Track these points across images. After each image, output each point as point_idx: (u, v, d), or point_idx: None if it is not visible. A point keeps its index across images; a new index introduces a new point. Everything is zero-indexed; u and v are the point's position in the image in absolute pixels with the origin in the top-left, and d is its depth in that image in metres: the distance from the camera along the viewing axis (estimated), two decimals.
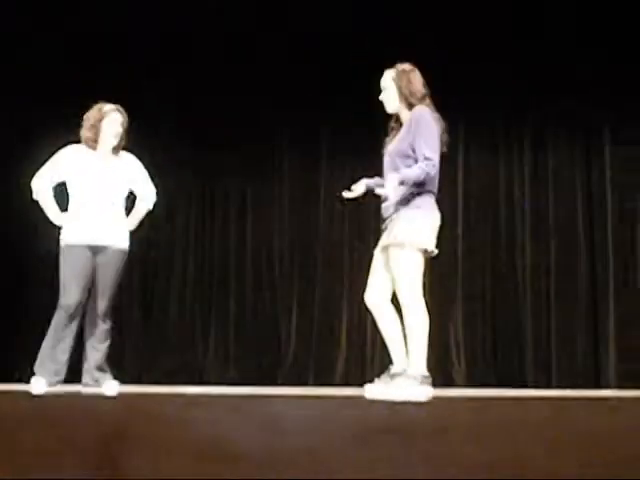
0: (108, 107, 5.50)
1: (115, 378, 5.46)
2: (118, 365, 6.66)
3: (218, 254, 8.64)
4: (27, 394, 3.98)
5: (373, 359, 7.95)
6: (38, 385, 5.13)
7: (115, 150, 5.54)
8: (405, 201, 4.65)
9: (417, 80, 4.81)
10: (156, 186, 5.79)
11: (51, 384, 5.20)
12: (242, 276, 8.53)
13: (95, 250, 5.40)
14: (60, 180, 5.50)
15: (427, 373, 4.54)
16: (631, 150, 7.60)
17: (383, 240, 4.79)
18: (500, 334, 7.74)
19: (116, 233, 5.46)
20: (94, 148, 5.49)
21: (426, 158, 4.59)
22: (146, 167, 5.74)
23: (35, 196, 5.53)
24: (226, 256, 8.61)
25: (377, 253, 4.84)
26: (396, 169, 4.66)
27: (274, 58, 8.15)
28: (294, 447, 2.66)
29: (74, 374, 5.48)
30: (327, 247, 8.34)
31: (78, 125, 5.54)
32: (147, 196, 5.71)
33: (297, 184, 8.54)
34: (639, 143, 7.57)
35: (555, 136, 7.85)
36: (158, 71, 8.28)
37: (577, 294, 7.58)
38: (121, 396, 3.87)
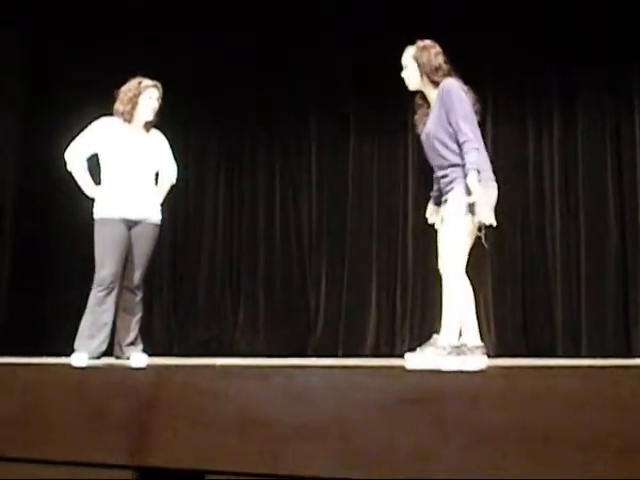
0: (146, 82, 5.51)
1: (145, 350, 5.50)
2: (148, 337, 6.74)
3: (246, 225, 8.67)
4: (68, 366, 4.01)
5: (402, 330, 7.96)
6: (79, 360, 5.16)
7: (147, 126, 5.55)
8: (458, 175, 4.64)
9: (439, 56, 4.79)
10: (181, 162, 5.84)
11: (91, 358, 5.23)
12: (271, 247, 8.56)
13: (129, 224, 5.42)
14: (93, 152, 5.50)
15: (479, 343, 4.57)
16: None
17: (441, 212, 4.79)
18: (530, 304, 7.72)
19: (149, 207, 5.50)
20: (129, 122, 5.49)
21: (464, 134, 4.58)
22: (172, 143, 5.77)
23: (69, 167, 5.54)
24: (254, 227, 8.63)
25: (439, 225, 4.84)
26: (439, 147, 4.67)
27: (300, 34, 8.12)
28: (325, 417, 2.67)
29: (108, 346, 5.54)
30: (355, 218, 8.33)
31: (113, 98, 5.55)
32: (170, 174, 5.74)
33: (326, 155, 8.53)
34: None
35: (584, 108, 7.75)
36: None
37: (607, 264, 7.52)
38: (151, 368, 3.89)
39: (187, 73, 8.29)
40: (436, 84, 4.75)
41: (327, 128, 8.50)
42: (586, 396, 2.41)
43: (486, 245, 4.72)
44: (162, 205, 5.68)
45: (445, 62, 4.79)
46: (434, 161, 4.80)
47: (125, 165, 5.43)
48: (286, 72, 8.32)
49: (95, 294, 5.33)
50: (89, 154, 5.51)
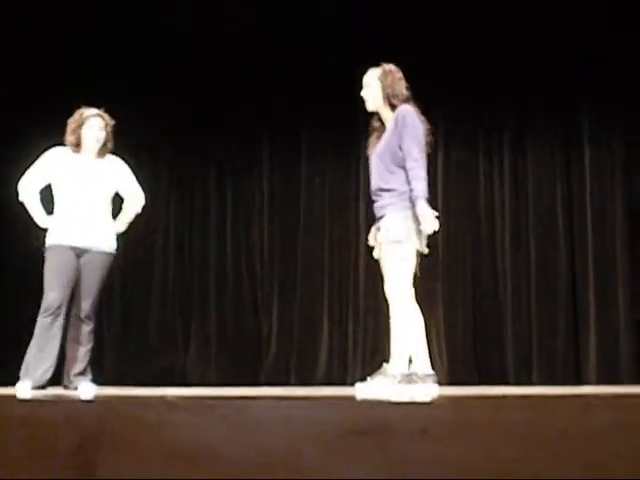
0: (89, 112, 5.54)
1: (95, 380, 5.44)
2: (99, 366, 6.65)
3: (198, 253, 8.63)
4: (12, 398, 3.94)
5: (354, 358, 7.94)
6: (23, 389, 5.10)
7: (100, 154, 5.56)
8: (398, 200, 4.66)
9: (402, 81, 4.86)
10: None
11: (36, 388, 5.17)
12: (222, 276, 8.51)
13: (79, 252, 5.42)
14: (46, 183, 5.53)
15: (429, 371, 4.58)
16: (607, 152, 7.59)
17: (378, 239, 4.79)
18: (481, 332, 7.74)
19: (100, 235, 5.49)
20: (78, 152, 5.52)
21: (415, 160, 4.61)
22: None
23: (20, 198, 5.55)
24: (206, 255, 8.59)
25: (377, 253, 4.83)
26: (383, 171, 4.70)
27: (258, 56, 8.13)
28: (274, 450, 2.64)
29: (56, 376, 5.46)
30: (307, 245, 8.32)
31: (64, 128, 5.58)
32: (135, 198, 5.76)
33: (277, 182, 8.52)
34: (613, 146, 7.58)
35: (535, 135, 7.83)
36: (139, 69, 8.23)
37: (557, 292, 7.58)
38: (98, 399, 3.83)
39: (137, 93, 8.22)
40: (394, 108, 4.80)
41: (278, 150, 8.49)
42: (533, 428, 2.41)
43: (418, 274, 4.74)
44: (124, 233, 5.66)
45: (407, 89, 4.85)
46: (374, 182, 4.83)
47: (75, 194, 5.44)
48: (237, 94, 8.29)
49: (41, 320, 5.31)
50: (41, 184, 5.53)
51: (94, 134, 5.51)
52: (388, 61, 4.98)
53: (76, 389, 5.29)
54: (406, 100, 4.86)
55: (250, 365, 8.14)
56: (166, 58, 8.20)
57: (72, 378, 5.36)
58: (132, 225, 5.68)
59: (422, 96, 5.00)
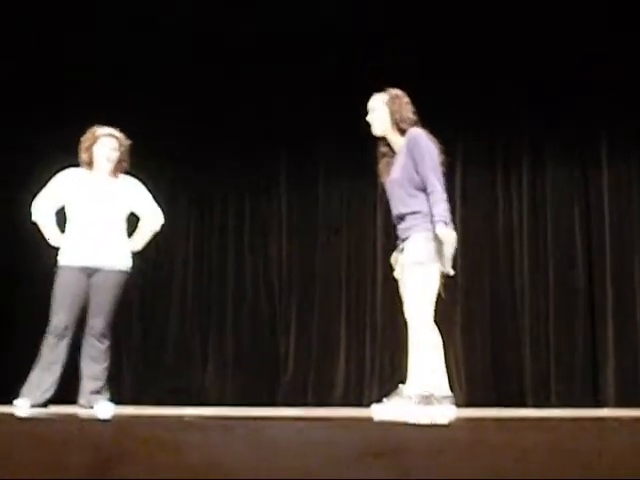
0: (101, 131, 5.57)
1: (113, 399, 5.44)
2: (116, 385, 6.66)
3: (216, 272, 8.63)
4: (11, 416, 3.95)
5: (371, 378, 7.92)
6: (21, 407, 5.14)
7: (113, 173, 5.58)
8: (421, 222, 4.67)
9: (409, 106, 4.89)
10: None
11: (35, 406, 5.19)
12: (240, 294, 8.51)
13: (90, 271, 5.43)
14: (59, 203, 5.57)
15: (447, 393, 4.57)
16: (625, 171, 7.59)
17: (401, 260, 4.80)
18: (499, 353, 7.71)
19: (112, 254, 5.49)
20: (91, 171, 5.56)
21: (432, 184, 4.63)
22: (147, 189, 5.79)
23: (34, 218, 5.59)
24: (224, 273, 8.59)
25: (399, 274, 4.83)
26: (403, 196, 4.71)
27: (270, 78, 8.17)
28: (290, 471, 2.63)
29: (71, 394, 5.47)
30: (325, 264, 8.31)
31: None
32: (151, 217, 5.78)
33: (295, 203, 8.52)
34: (631, 164, 7.58)
35: (553, 155, 7.81)
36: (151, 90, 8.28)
37: (575, 313, 7.55)
38: (115, 419, 3.83)
39: (156, 113, 8.26)
40: (403, 132, 4.82)
41: (296, 168, 8.50)
42: (550, 451, 2.39)
43: (444, 295, 4.73)
44: (139, 252, 5.69)
45: (414, 113, 4.87)
46: (395, 209, 4.84)
47: (86, 213, 5.47)
48: (255, 115, 8.32)
49: (47, 341, 5.35)
50: (53, 204, 5.57)
51: (105, 153, 5.54)
52: (407, 85, 5.00)
53: (92, 408, 5.29)
54: (414, 124, 4.87)
55: (267, 384, 8.14)
56: (184, 72, 8.27)
57: (88, 397, 5.37)
58: (150, 243, 5.71)
59: (438, 117, 5.02)
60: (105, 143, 5.54)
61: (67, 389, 5.47)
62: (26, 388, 5.29)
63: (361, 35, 7.85)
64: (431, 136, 4.85)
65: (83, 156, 5.56)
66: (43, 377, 5.31)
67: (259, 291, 8.50)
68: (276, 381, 8.19)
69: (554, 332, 7.57)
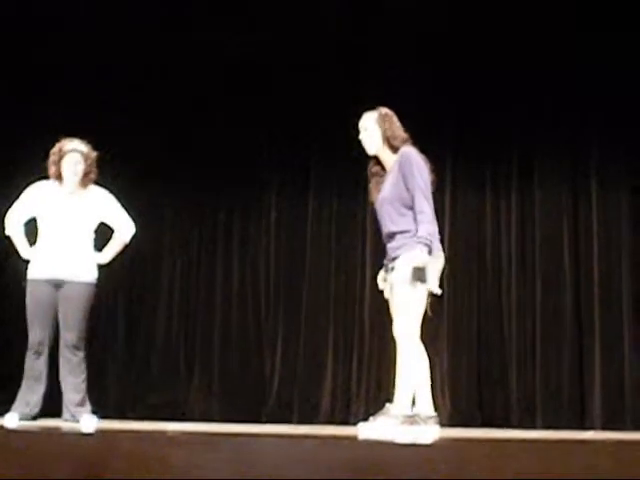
0: (67, 146, 5.63)
1: (97, 412, 5.44)
2: (102, 399, 6.65)
3: (203, 288, 8.58)
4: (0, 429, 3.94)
5: (357, 397, 7.90)
6: (10, 420, 5.19)
7: (81, 185, 5.65)
8: (410, 241, 4.68)
9: (398, 124, 4.93)
10: (137, 221, 5.89)
11: (23, 419, 5.24)
12: (227, 310, 8.48)
13: (57, 284, 5.49)
14: (29, 216, 5.66)
15: (432, 413, 4.57)
16: (614, 196, 7.62)
17: (389, 279, 4.81)
18: (484, 373, 7.70)
19: (78, 267, 5.53)
20: (60, 184, 5.62)
21: (421, 203, 4.65)
22: (132, 203, 5.82)
23: (6, 232, 5.71)
24: (211, 289, 8.55)
25: (389, 293, 4.83)
26: (393, 214, 4.73)
27: (261, 90, 8.18)
28: None
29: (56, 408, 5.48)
30: (313, 282, 8.29)
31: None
32: (121, 229, 5.83)
33: (284, 219, 8.50)
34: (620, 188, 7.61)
35: (542, 176, 7.83)
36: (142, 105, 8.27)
37: (562, 334, 7.55)
38: (99, 433, 3.82)
39: (146, 134, 8.26)
40: (394, 150, 4.84)
41: (286, 190, 8.47)
42: (534, 472, 2.39)
43: (430, 313, 4.74)
44: (109, 263, 5.78)
45: (404, 131, 4.90)
46: (385, 227, 4.85)
47: (53, 226, 5.55)
48: (246, 131, 8.31)
49: (27, 357, 5.44)
50: (24, 218, 5.67)
51: (71, 168, 5.59)
52: (398, 103, 5.04)
53: (77, 422, 5.29)
54: (406, 141, 4.90)
55: (253, 402, 8.08)
56: (165, 99, 8.25)
57: (72, 410, 5.38)
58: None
59: (429, 140, 5.04)
60: (71, 159, 5.59)
61: (57, 401, 5.48)
62: (16, 403, 5.35)
63: (356, 51, 7.89)
64: (422, 155, 4.87)
65: (51, 170, 5.63)
66: (28, 393, 5.38)
67: (246, 308, 8.46)
68: (261, 399, 8.15)
69: (541, 353, 7.56)
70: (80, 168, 5.61)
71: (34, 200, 5.63)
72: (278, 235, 8.48)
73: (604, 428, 7.06)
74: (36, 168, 5.90)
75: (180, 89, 8.27)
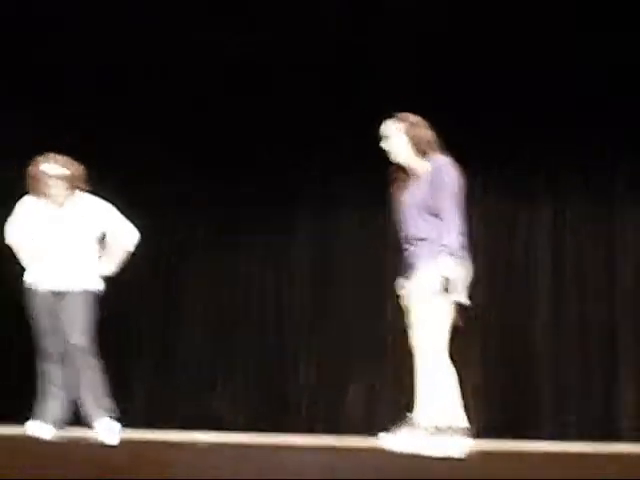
0: (40, 170, 5.50)
1: (123, 421, 5.42)
2: (129, 407, 6.64)
3: (229, 298, 8.57)
4: (28, 438, 3.95)
5: (380, 407, 7.86)
6: (33, 428, 5.22)
7: (71, 197, 5.56)
8: (435, 250, 4.62)
9: (428, 131, 4.84)
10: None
11: (48, 427, 5.27)
12: (254, 319, 8.47)
13: (57, 295, 5.48)
14: (24, 229, 5.61)
15: (463, 424, 4.50)
16: None
17: (409, 287, 4.74)
18: (516, 384, 7.65)
19: (76, 277, 5.50)
20: (46, 199, 5.55)
21: (450, 213, 4.59)
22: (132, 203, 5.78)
23: (7, 241, 5.70)
24: (236, 300, 8.54)
25: (407, 300, 4.78)
26: (418, 220, 4.67)
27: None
28: None
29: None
30: (337, 291, 8.27)
31: None
32: (121, 237, 5.70)
33: (309, 231, 8.47)
34: None
35: (575, 186, 7.77)
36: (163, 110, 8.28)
37: (595, 347, 7.49)
38: (125, 443, 3.82)
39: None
40: (425, 156, 4.77)
41: (315, 197, 8.43)
42: None
43: (459, 324, 4.67)
44: (115, 272, 5.71)
45: (434, 137, 4.83)
46: (407, 233, 4.77)
47: (48, 240, 5.52)
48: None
49: (40, 368, 5.45)
50: (22, 229, 5.62)
51: (50, 191, 5.50)
52: (419, 108, 4.97)
53: (99, 429, 5.28)
54: (437, 149, 4.83)
55: (279, 412, 8.09)
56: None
57: (91, 416, 5.35)
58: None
59: (457, 148, 4.97)
60: (46, 184, 5.49)
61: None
62: (38, 411, 5.34)
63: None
64: (455, 164, 4.79)
65: (32, 192, 5.56)
66: (46, 401, 5.38)
67: (269, 317, 8.46)
68: (286, 408, 8.14)
69: (573, 365, 7.51)
70: (59, 191, 5.51)
71: (24, 216, 5.59)
72: (304, 245, 8.45)
73: (634, 440, 6.99)
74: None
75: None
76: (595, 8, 7.32)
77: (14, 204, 5.76)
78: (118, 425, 5.34)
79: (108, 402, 5.43)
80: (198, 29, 7.78)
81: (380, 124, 4.98)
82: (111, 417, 5.38)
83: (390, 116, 4.97)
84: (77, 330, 5.41)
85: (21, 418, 5.68)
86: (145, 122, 8.12)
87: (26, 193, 5.65)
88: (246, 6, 7.62)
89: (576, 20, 7.43)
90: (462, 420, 4.55)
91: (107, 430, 5.21)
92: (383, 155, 4.99)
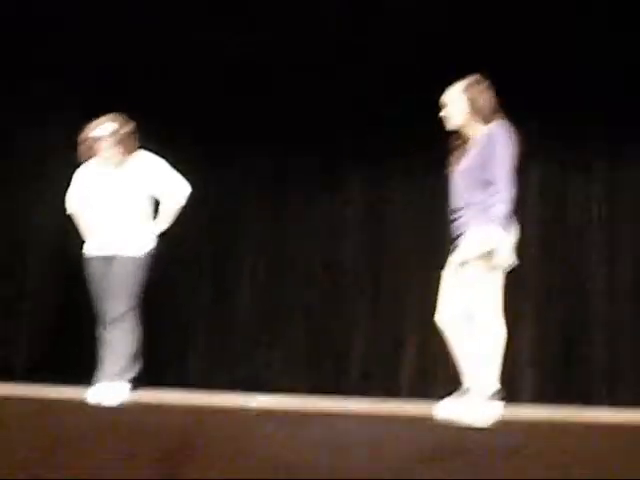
0: (91, 135, 5.53)
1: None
2: (185, 369, 6.69)
3: (288, 262, 8.63)
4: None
5: (437, 372, 7.88)
6: (96, 394, 5.13)
7: (122, 157, 5.56)
8: (481, 216, 4.56)
9: (488, 93, 4.71)
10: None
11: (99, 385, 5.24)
12: (310, 285, 8.53)
13: (107, 260, 5.49)
14: (82, 197, 5.64)
15: (497, 388, 4.45)
16: None
17: (457, 257, 4.67)
18: (569, 350, 7.63)
19: (127, 241, 5.48)
20: (99, 163, 5.58)
21: (502, 181, 4.51)
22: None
23: (68, 212, 5.74)
24: (294, 266, 8.60)
25: (449, 271, 4.74)
26: (470, 186, 4.60)
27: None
28: (357, 467, 2.63)
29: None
30: (393, 258, 8.29)
31: None
32: (172, 192, 5.66)
33: (363, 200, 8.49)
34: None
35: (632, 151, 7.68)
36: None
37: None
38: (185, 408, 3.88)
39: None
40: (482, 121, 4.68)
41: (366, 172, 8.44)
42: (621, 458, 2.36)
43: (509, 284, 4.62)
44: (165, 233, 5.64)
45: (493, 100, 4.69)
46: (458, 200, 4.69)
47: (99, 205, 5.55)
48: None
49: (100, 332, 5.44)
50: (80, 199, 5.65)
51: (99, 154, 5.53)
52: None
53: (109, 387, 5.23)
54: (495, 112, 4.69)
55: (334, 377, 8.16)
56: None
57: (109, 379, 5.27)
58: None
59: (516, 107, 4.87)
60: (97, 148, 5.52)
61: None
62: (99, 376, 5.30)
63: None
64: (512, 128, 4.69)
65: (83, 157, 5.59)
66: (107, 365, 5.32)
67: (328, 283, 8.51)
68: (343, 373, 8.21)
69: (628, 333, 7.46)
70: (109, 148, 5.52)
71: (80, 182, 5.64)
72: (357, 214, 8.48)
73: None
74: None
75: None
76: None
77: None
78: (126, 389, 5.29)
79: (125, 367, 5.38)
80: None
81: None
82: (125, 381, 5.32)
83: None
84: (116, 299, 5.39)
85: (86, 383, 5.79)
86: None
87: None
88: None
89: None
90: (495, 384, 4.50)
91: (111, 394, 5.11)
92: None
